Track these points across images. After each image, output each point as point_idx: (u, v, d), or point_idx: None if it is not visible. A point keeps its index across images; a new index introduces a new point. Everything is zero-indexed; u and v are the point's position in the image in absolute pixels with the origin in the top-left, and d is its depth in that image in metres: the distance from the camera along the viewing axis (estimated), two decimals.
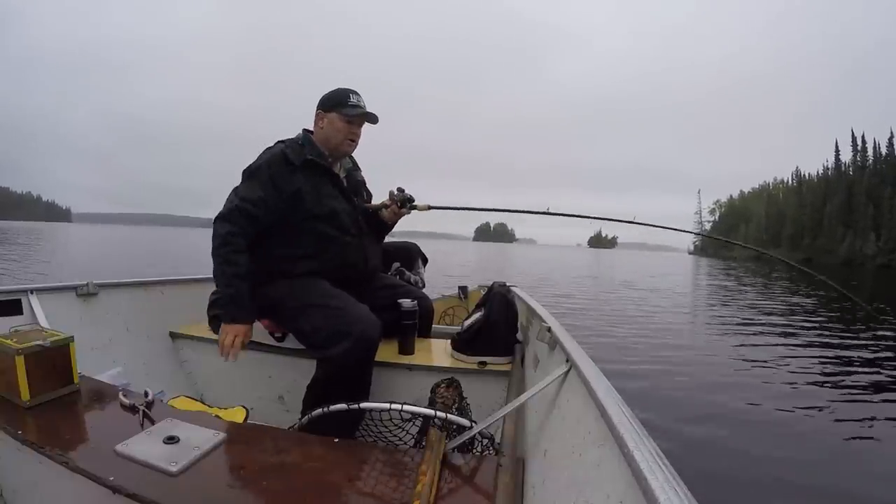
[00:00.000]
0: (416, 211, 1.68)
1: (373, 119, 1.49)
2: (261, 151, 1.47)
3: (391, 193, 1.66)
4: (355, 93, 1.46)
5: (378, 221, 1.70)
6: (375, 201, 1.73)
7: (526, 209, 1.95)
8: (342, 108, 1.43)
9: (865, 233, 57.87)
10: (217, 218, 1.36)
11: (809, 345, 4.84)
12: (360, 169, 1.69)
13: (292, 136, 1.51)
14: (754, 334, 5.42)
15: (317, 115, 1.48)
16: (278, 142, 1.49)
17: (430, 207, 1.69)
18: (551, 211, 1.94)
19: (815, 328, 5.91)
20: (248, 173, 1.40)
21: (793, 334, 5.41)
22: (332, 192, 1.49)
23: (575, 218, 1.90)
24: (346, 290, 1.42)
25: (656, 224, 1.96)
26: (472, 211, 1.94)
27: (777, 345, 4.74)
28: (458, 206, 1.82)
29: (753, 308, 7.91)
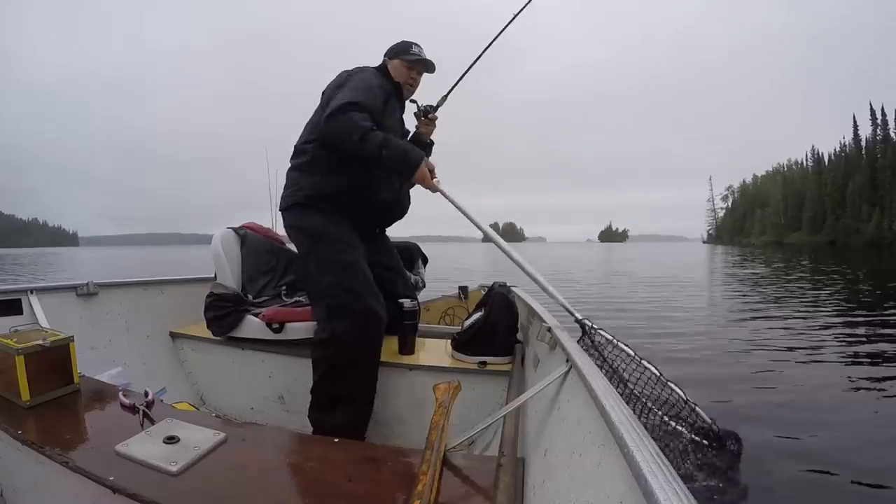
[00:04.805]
0: (440, 108, 1.75)
1: (430, 67, 1.64)
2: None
3: (416, 114, 1.75)
4: (417, 45, 1.63)
5: (421, 144, 1.76)
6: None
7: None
8: (405, 54, 1.59)
9: (893, 210, 54.11)
10: (347, 105, 1.32)
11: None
12: None
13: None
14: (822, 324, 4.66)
15: (382, 62, 1.63)
16: (366, 67, 1.60)
17: (445, 97, 1.77)
18: None
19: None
20: (360, 79, 1.46)
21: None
22: (397, 121, 1.62)
23: None
24: (365, 243, 1.50)
25: None
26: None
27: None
28: (466, 68, 1.82)
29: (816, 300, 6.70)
